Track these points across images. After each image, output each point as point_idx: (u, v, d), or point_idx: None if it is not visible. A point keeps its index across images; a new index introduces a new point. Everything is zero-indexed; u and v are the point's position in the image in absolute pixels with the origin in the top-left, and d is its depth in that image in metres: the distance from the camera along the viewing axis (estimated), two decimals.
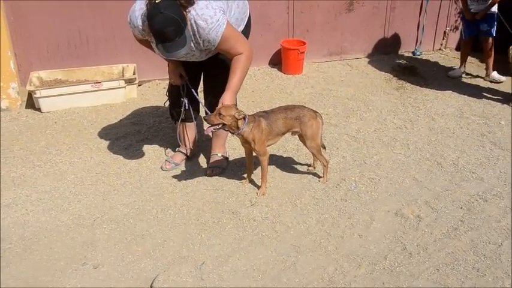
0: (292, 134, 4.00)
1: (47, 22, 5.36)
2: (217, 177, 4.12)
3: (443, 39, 6.94)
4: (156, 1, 3.24)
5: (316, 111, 3.91)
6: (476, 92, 5.71)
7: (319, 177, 4.08)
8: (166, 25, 3.23)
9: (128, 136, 4.76)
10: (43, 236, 3.46)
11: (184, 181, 4.09)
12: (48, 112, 5.16)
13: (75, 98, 5.23)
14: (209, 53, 3.70)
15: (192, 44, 3.51)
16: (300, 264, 3.20)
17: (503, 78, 5.95)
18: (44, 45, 5.45)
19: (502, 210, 3.62)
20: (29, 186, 4.00)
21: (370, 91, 5.76)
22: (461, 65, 6.25)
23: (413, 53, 6.81)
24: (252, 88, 5.79)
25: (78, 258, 3.28)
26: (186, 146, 4.32)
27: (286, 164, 4.28)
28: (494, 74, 6.01)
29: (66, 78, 5.50)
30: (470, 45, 6.16)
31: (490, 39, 5.83)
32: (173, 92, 4.11)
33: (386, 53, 6.79)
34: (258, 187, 3.94)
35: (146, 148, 4.57)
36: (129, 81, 5.44)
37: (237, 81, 3.59)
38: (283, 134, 3.92)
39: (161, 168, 4.27)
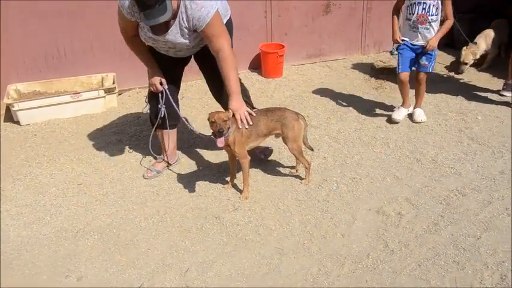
0: (275, 136, 4.03)
1: (24, 35, 5.33)
2: (199, 182, 4.13)
3: None
4: None
5: (298, 113, 3.94)
6: (452, 88, 5.78)
7: (302, 179, 4.10)
8: None
9: (109, 146, 4.75)
10: (25, 251, 3.44)
11: (166, 188, 4.09)
12: (27, 125, 5.13)
13: (55, 110, 5.21)
14: (193, 40, 3.72)
15: (177, 22, 3.55)
16: (283, 266, 3.21)
17: (425, 118, 5.00)
18: (21, 57, 5.42)
19: (480, 203, 3.68)
20: (9, 201, 3.97)
21: (350, 92, 5.81)
22: (404, 103, 5.06)
23: (390, 52, 6.88)
24: None
25: (61, 271, 3.27)
26: (166, 153, 4.32)
27: (268, 167, 4.30)
28: (418, 112, 5.03)
29: (44, 90, 5.47)
30: (408, 81, 4.98)
31: (424, 75, 4.92)
32: (152, 99, 4.11)
33: (364, 53, 6.86)
34: (241, 191, 3.96)
35: (128, 157, 4.56)
36: (109, 91, 5.43)
37: (234, 82, 3.67)
38: (265, 136, 3.94)
39: (143, 176, 4.27)
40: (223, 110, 3.70)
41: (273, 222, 3.63)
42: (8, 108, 5.21)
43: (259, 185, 4.07)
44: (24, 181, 4.22)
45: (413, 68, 4.98)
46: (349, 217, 3.64)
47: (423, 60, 4.84)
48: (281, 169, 4.30)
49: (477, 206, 3.64)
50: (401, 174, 4.12)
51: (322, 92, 5.83)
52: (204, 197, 3.97)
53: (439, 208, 3.66)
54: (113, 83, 5.59)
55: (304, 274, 3.14)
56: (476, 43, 5.99)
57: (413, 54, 4.87)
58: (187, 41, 3.70)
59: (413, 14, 4.72)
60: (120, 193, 4.06)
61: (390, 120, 4.97)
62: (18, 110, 5.05)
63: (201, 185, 4.11)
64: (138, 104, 5.63)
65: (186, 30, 3.62)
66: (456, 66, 6.25)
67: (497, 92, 5.59)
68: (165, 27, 3.58)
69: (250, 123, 3.71)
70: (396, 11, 4.92)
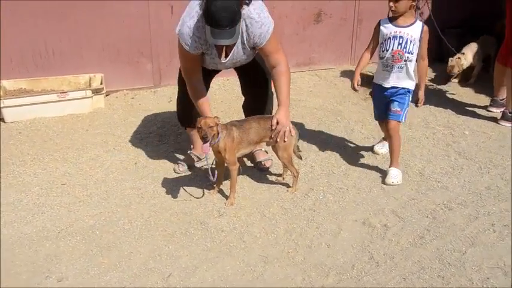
0: (267, 144, 4.01)
1: (10, 32, 5.26)
2: (185, 187, 4.09)
3: None
4: None
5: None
6: (440, 102, 5.83)
7: (288, 187, 4.08)
8: (223, 11, 3.29)
9: (94, 146, 4.70)
10: (4, 249, 3.36)
11: (151, 192, 4.04)
12: (12, 122, 5.05)
13: (40, 108, 5.14)
14: (251, 56, 3.84)
15: (239, 42, 3.62)
16: (267, 274, 3.18)
17: (399, 181, 4.16)
18: (7, 55, 5.33)
19: (466, 218, 3.68)
20: None
21: (339, 101, 5.82)
22: (392, 163, 4.23)
23: None
24: (221, 99, 5.79)
25: (41, 271, 3.19)
26: (195, 148, 4.35)
27: (255, 174, 4.27)
28: (393, 173, 4.18)
29: (30, 88, 5.40)
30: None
31: (396, 124, 4.16)
32: (183, 100, 4.11)
33: (354, 64, 6.86)
34: (227, 197, 3.92)
35: (113, 159, 4.50)
36: (96, 91, 5.38)
37: (286, 95, 3.76)
38: (256, 143, 3.93)
39: (174, 170, 4.31)
40: (213, 116, 3.67)
41: (258, 230, 3.60)
42: None
43: (245, 192, 4.04)
44: (6, 179, 4.14)
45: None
46: (334, 227, 3.62)
47: (395, 106, 4.11)
48: (268, 176, 4.27)
49: (463, 221, 3.64)
50: (388, 186, 4.12)
51: (311, 100, 5.83)
52: (189, 201, 3.92)
53: (425, 221, 3.66)
54: (101, 83, 5.54)
55: (288, 283, 3.11)
56: (463, 53, 6.07)
57: (386, 101, 4.19)
58: (245, 57, 3.80)
59: (387, 51, 4.05)
60: (104, 194, 4.00)
61: (386, 183, 4.18)
62: (3, 107, 4.98)
63: (186, 190, 4.07)
64: (126, 105, 5.59)
65: (247, 48, 3.70)
66: (444, 77, 6.32)
67: (485, 107, 5.65)
68: (229, 48, 3.66)
69: (285, 140, 3.75)
70: (368, 51, 4.27)
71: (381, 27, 4.09)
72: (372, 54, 4.28)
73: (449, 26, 6.65)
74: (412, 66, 4.06)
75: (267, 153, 4.44)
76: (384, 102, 4.22)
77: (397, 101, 4.12)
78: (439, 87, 6.36)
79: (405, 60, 4.02)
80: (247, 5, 3.50)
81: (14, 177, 4.17)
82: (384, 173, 4.26)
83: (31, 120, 5.10)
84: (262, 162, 4.30)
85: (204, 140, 3.56)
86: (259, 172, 4.32)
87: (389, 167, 4.24)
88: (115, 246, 3.43)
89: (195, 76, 3.79)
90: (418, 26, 4.00)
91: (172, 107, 5.30)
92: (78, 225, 3.63)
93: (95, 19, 5.49)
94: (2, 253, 3.33)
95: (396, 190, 4.06)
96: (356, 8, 6.61)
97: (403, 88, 4.11)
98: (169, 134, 4.96)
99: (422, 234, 3.52)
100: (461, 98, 6.01)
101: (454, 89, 6.27)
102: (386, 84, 4.15)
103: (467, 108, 5.70)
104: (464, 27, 6.82)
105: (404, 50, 4.00)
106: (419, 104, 4.23)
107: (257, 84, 4.19)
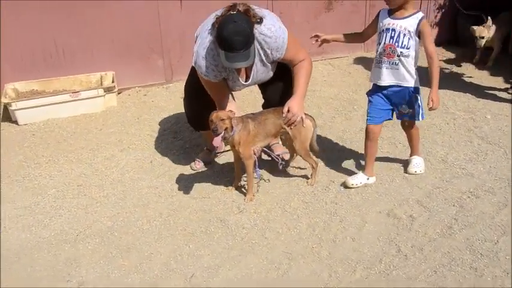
0: (281, 138, 3.92)
1: (20, 32, 5.19)
2: (203, 184, 4.01)
3: None
4: (231, 12, 3.37)
5: (307, 114, 3.82)
6: (458, 86, 5.66)
7: (308, 179, 3.99)
8: (236, 34, 3.27)
9: (109, 146, 4.63)
10: (23, 254, 3.31)
11: (169, 190, 3.97)
12: (25, 124, 5.00)
13: (53, 109, 5.08)
14: (274, 69, 3.79)
15: (258, 61, 3.61)
16: (293, 271, 3.10)
17: (421, 170, 4.02)
18: (18, 56, 5.28)
19: (495, 206, 3.55)
20: (7, 202, 3.84)
21: (354, 90, 5.70)
22: (366, 168, 3.94)
23: None
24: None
25: (61, 275, 3.14)
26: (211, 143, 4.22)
27: (273, 168, 4.17)
28: (415, 162, 4.05)
29: (42, 89, 5.34)
30: (378, 138, 3.93)
31: (411, 122, 3.93)
32: (191, 100, 4.07)
33: (367, 51, 6.74)
34: (246, 193, 3.84)
35: (128, 158, 4.44)
36: (108, 90, 5.30)
37: (303, 85, 3.73)
38: (274, 136, 3.86)
39: (191, 167, 4.24)
40: (228, 110, 3.59)
41: (279, 226, 3.51)
42: (6, 108, 5.07)
43: (264, 187, 3.95)
44: (22, 182, 4.09)
45: (390, 119, 3.91)
46: (358, 220, 3.52)
47: (405, 109, 3.76)
48: (286, 170, 4.17)
49: (492, 209, 3.52)
50: (411, 175, 4.00)
51: (326, 90, 5.71)
52: (208, 198, 3.85)
53: (452, 211, 3.54)
54: (112, 81, 5.46)
55: (315, 280, 3.02)
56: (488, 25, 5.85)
57: (387, 103, 3.79)
58: (267, 73, 3.77)
59: (379, 45, 3.69)
60: (121, 195, 3.94)
61: (345, 185, 3.91)
62: (16, 110, 4.92)
63: (204, 187, 3.99)
64: (138, 103, 5.51)
65: (267, 64, 3.67)
66: (460, 59, 6.15)
67: (505, 90, 5.49)
68: (249, 69, 3.66)
69: (295, 125, 3.68)
70: (360, 34, 3.97)
71: (379, 19, 3.71)
72: (362, 39, 4.03)
73: (465, 7, 6.48)
74: (411, 62, 3.61)
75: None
76: (383, 104, 3.77)
77: (403, 104, 3.74)
78: (455, 70, 6.20)
79: (399, 56, 3.58)
80: (259, 23, 3.47)
81: (29, 180, 4.11)
82: (405, 163, 4.14)
83: (44, 122, 5.04)
84: (280, 155, 4.21)
85: (215, 132, 3.48)
86: (276, 165, 4.22)
87: (411, 155, 4.09)
88: (134, 247, 3.37)
89: (224, 101, 3.73)
90: (415, 18, 3.53)
91: None
92: (96, 227, 3.57)
93: (104, 16, 5.41)
94: (21, 258, 3.28)
95: (420, 179, 3.94)
96: None
97: (405, 87, 3.67)
98: (184, 130, 4.88)
99: (450, 224, 3.40)
100: (480, 81, 5.84)
101: (470, 72, 6.10)
102: (382, 83, 3.71)
103: (487, 91, 5.54)
104: (479, 8, 6.63)
105: (397, 44, 3.56)
106: (432, 106, 3.64)
107: (279, 89, 4.04)
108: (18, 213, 3.71)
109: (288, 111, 3.64)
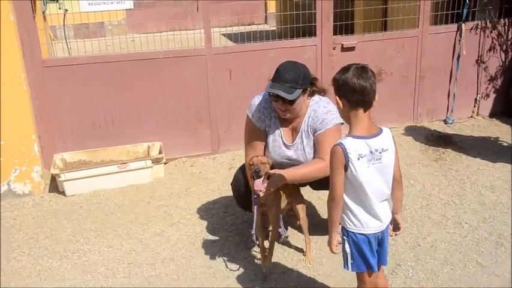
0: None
1: (71, 103, 5.20)
2: (259, 264, 3.79)
3: (475, 106, 6.73)
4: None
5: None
6: None
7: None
8: (289, 69, 3.34)
9: (158, 220, 4.47)
10: None
11: (224, 271, 3.75)
12: (72, 196, 4.90)
13: (101, 180, 4.99)
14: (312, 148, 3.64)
15: (304, 129, 3.56)
16: None
17: None
18: (68, 126, 5.26)
19: None
20: (56, 281, 3.68)
21: (408, 163, 5.49)
22: None
23: (445, 121, 6.59)
24: None
25: None
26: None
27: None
28: None
29: (90, 159, 5.27)
30: None
31: None
32: (239, 184, 4.01)
33: (417, 122, 6.58)
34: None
35: (179, 233, 4.26)
36: (156, 161, 5.21)
37: (301, 173, 3.53)
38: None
39: (245, 246, 4.04)
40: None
41: None
42: (54, 178, 4.99)
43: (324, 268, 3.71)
44: (71, 258, 3.93)
45: None
46: None
47: None
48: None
49: None
50: (485, 260, 3.71)
51: None
52: (268, 281, 3.62)
53: None
54: (160, 152, 5.38)
55: None
56: None
57: None
58: (310, 151, 3.63)
59: None
60: (173, 275, 3.74)
61: None
62: (64, 181, 4.83)
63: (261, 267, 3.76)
64: (186, 174, 5.39)
65: (310, 135, 3.58)
66: None
67: None
68: (295, 132, 3.61)
69: (261, 195, 3.37)
70: None
71: None
72: None
73: None
74: None
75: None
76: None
77: None
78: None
79: None
80: (321, 94, 3.54)
81: (79, 257, 3.95)
82: (475, 245, 3.88)
83: (91, 193, 4.94)
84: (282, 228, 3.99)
85: (257, 174, 3.31)
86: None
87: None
88: None
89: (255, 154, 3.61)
90: None
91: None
92: None
93: (154, 88, 5.40)
94: None
95: (496, 265, 3.64)
96: (418, 65, 6.35)
97: None
98: (235, 204, 4.66)
99: None
100: None
101: None
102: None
103: None
104: None
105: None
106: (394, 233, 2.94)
107: None
108: None
109: (269, 177, 3.41)
